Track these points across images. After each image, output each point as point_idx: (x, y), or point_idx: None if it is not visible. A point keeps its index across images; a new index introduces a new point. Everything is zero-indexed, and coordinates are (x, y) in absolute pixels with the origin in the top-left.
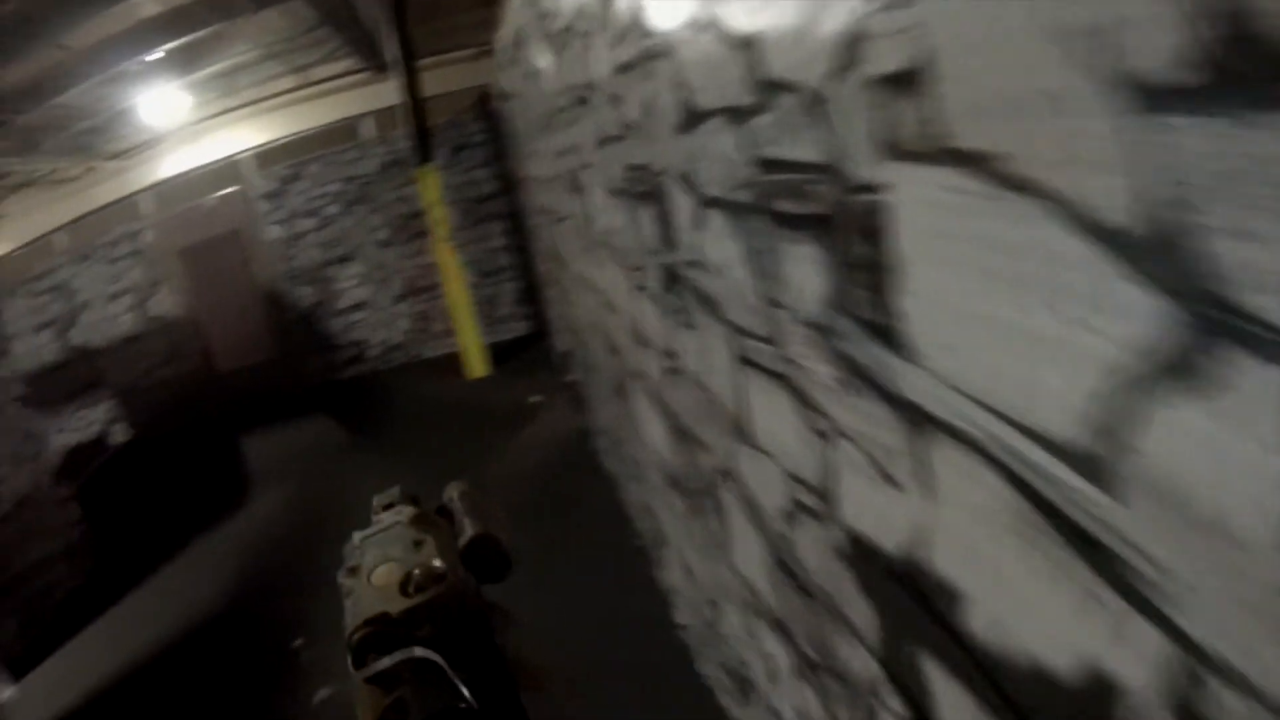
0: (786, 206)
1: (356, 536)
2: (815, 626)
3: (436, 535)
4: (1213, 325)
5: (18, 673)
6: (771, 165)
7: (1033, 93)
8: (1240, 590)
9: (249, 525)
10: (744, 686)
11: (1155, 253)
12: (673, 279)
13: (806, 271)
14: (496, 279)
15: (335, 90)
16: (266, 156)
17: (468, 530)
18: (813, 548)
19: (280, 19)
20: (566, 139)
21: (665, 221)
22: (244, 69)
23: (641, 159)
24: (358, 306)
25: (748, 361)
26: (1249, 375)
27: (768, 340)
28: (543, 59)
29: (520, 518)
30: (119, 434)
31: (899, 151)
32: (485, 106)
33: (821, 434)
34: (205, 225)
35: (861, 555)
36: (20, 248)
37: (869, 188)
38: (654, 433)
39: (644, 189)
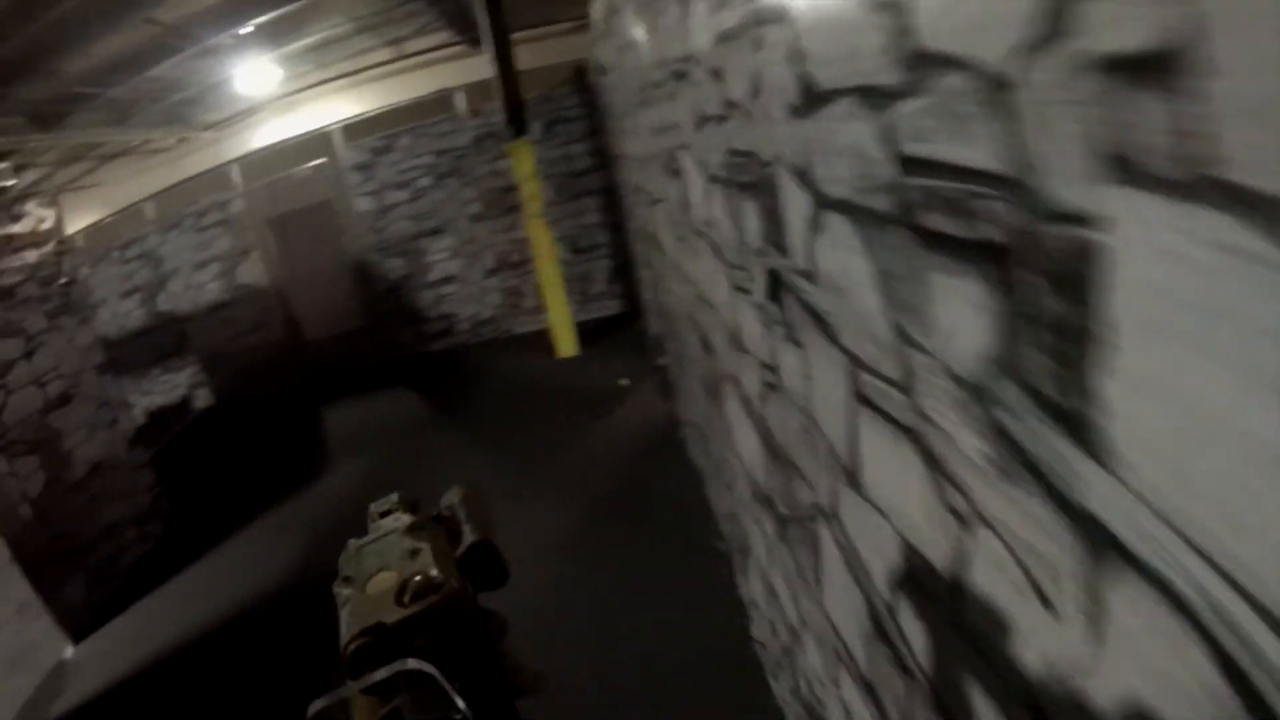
0: (941, 225)
1: (352, 545)
2: (910, 708)
3: (433, 543)
4: None
5: (80, 635)
6: (922, 168)
7: None
8: None
9: (324, 498)
10: None
11: None
12: (778, 286)
13: (963, 314)
14: (590, 256)
15: (428, 64)
16: (357, 128)
17: (466, 537)
18: (924, 630)
19: None
20: (663, 116)
21: (773, 220)
22: (337, 42)
23: (746, 144)
24: (448, 280)
25: (865, 400)
26: None
27: (896, 385)
28: (638, 29)
29: (601, 506)
30: (202, 399)
31: (1129, 172)
32: (581, 81)
33: (956, 514)
34: (295, 196)
35: (991, 665)
36: (111, 215)
37: (1074, 218)
38: (747, 445)
39: (749, 179)
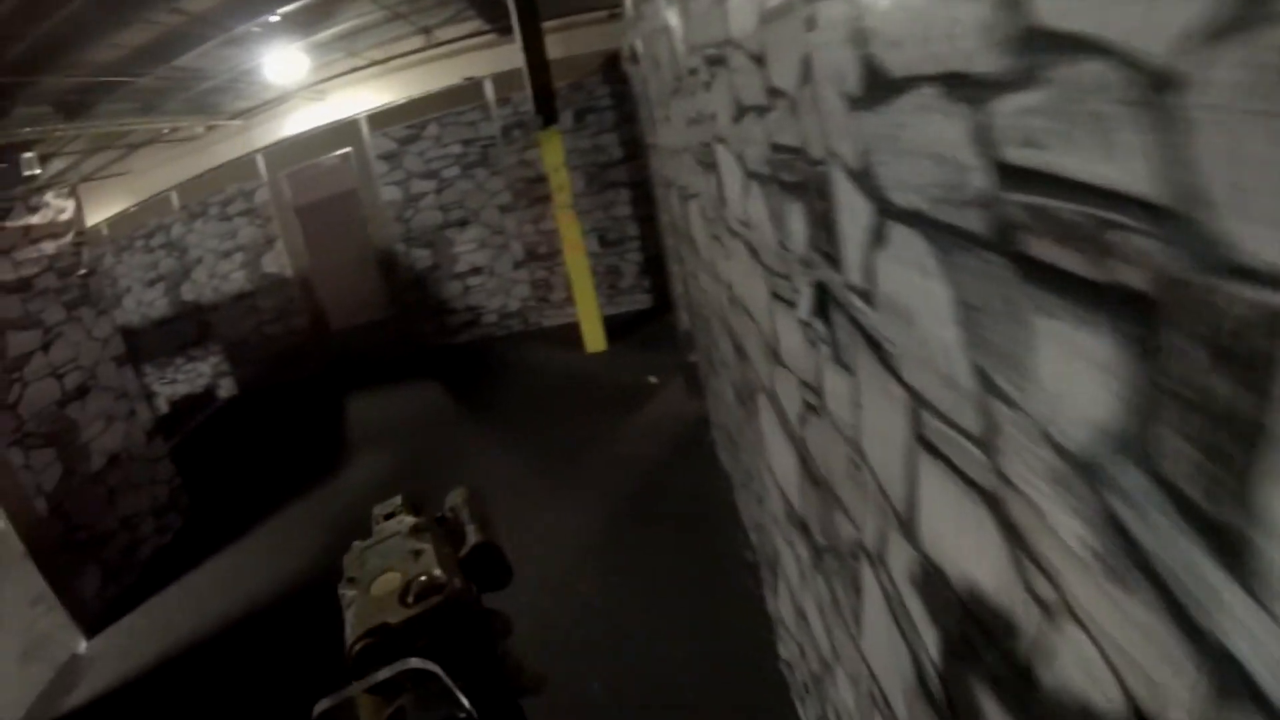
0: (1055, 256)
1: (356, 546)
2: None
3: (436, 544)
4: None
5: (95, 628)
6: (1031, 181)
7: None
8: None
9: (344, 493)
10: None
11: None
12: (826, 300)
13: (1078, 373)
14: (620, 249)
15: (457, 52)
16: (384, 117)
17: (470, 538)
18: (987, 706)
19: None
20: (697, 106)
21: (824, 226)
22: (366, 30)
23: (793, 139)
24: (475, 271)
25: (929, 446)
26: None
27: (973, 438)
28: (671, 13)
29: (625, 507)
30: (225, 388)
31: None
32: (613, 69)
33: (1038, 599)
34: (321, 185)
35: None
36: (136, 204)
37: (1260, 276)
38: (782, 463)
39: (795, 178)
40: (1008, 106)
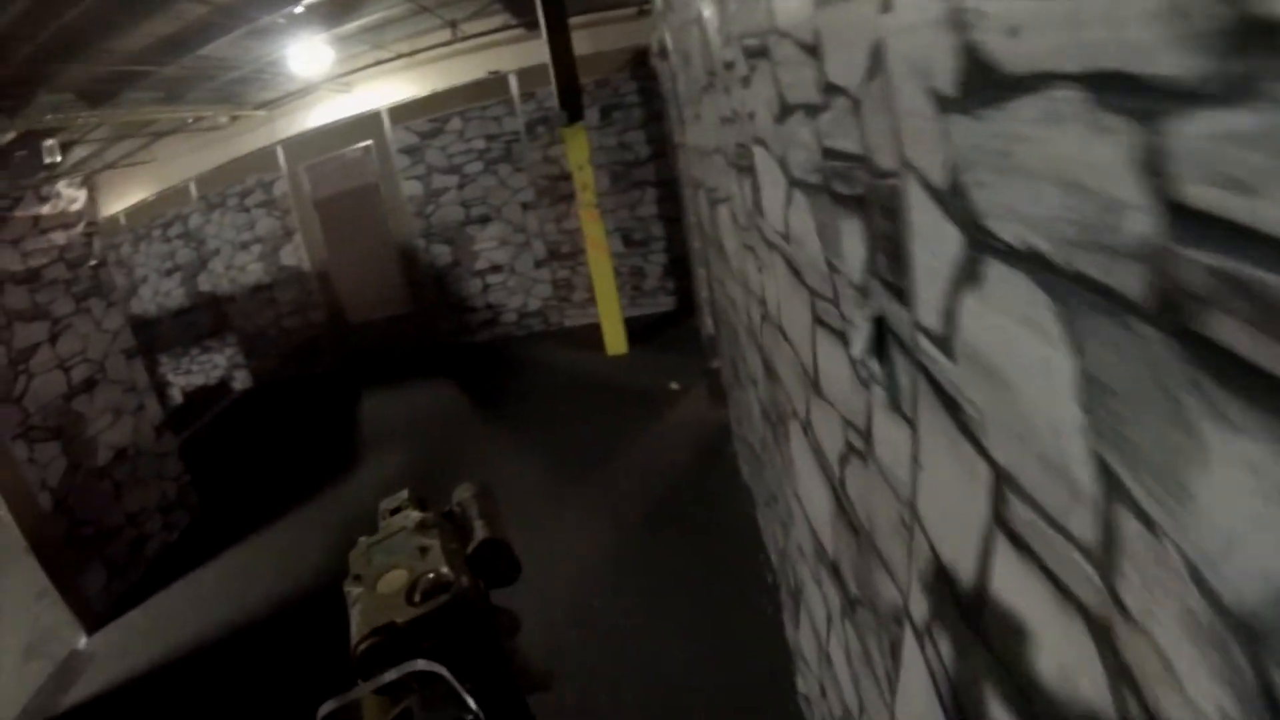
0: (1244, 345)
1: (363, 542)
2: None
3: (443, 540)
4: None
5: (98, 625)
6: (1220, 234)
7: None
8: None
9: (356, 492)
10: None
11: None
12: (886, 337)
13: (1268, 511)
14: (645, 249)
15: (484, 47)
16: (406, 110)
17: (477, 534)
18: None
19: None
20: (732, 103)
21: (890, 252)
22: (393, 23)
23: (854, 144)
24: (496, 269)
25: (1013, 534)
26: None
27: (1082, 547)
28: (707, 2)
29: (642, 518)
30: (240, 381)
31: None
32: (641, 65)
33: None
34: (342, 178)
35: None
36: (157, 193)
37: None
38: (814, 499)
39: (854, 191)
40: (1199, 128)
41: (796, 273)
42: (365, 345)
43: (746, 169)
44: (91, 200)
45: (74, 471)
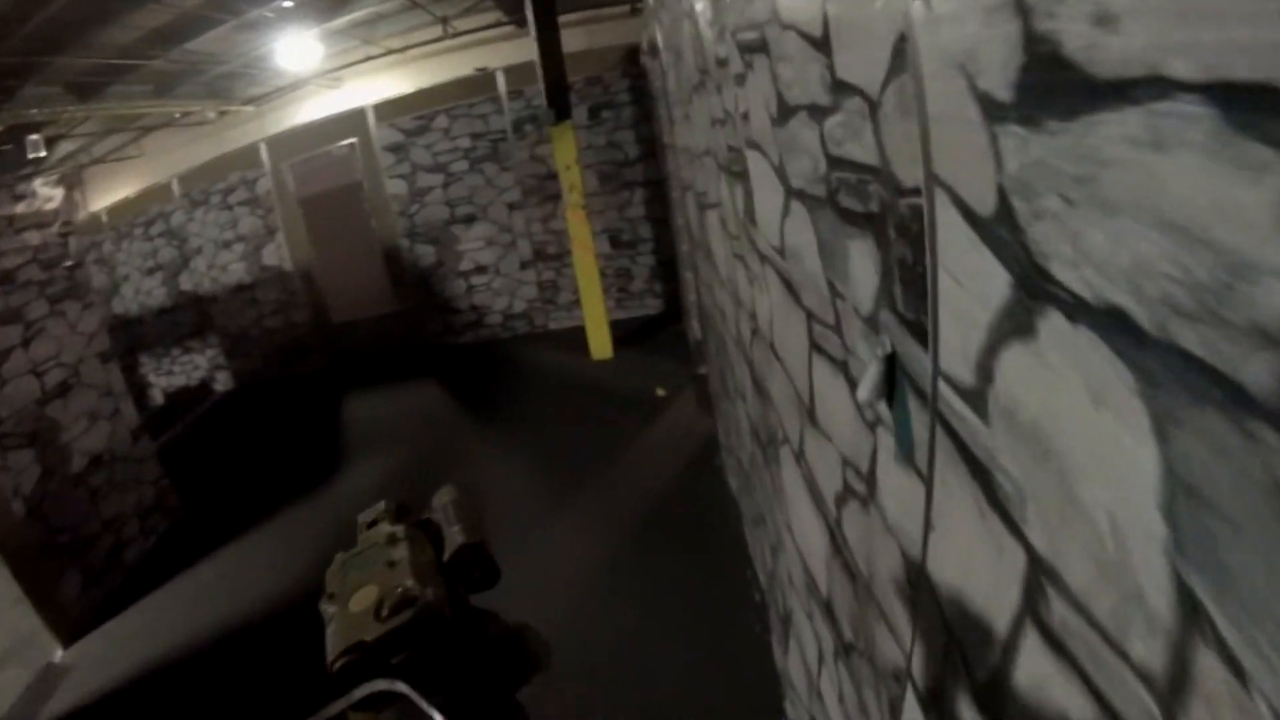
0: None
1: (339, 559)
2: None
3: (412, 552)
4: None
5: (75, 635)
6: None
7: None
8: None
9: (339, 497)
10: None
11: None
12: (899, 379)
13: None
14: (632, 251)
15: (475, 44)
16: (392, 108)
17: (455, 539)
18: None
19: None
20: (725, 103)
21: (910, 282)
22: (384, 19)
23: (868, 154)
24: (480, 270)
25: (1048, 633)
26: None
27: (1138, 670)
28: None
29: (628, 530)
30: (222, 382)
31: None
32: (632, 63)
33: None
34: (325, 176)
35: None
36: (142, 190)
37: None
38: (808, 534)
39: (867, 207)
40: None
41: (792, 291)
42: (349, 346)
43: (739, 174)
44: (71, 198)
45: (48, 478)
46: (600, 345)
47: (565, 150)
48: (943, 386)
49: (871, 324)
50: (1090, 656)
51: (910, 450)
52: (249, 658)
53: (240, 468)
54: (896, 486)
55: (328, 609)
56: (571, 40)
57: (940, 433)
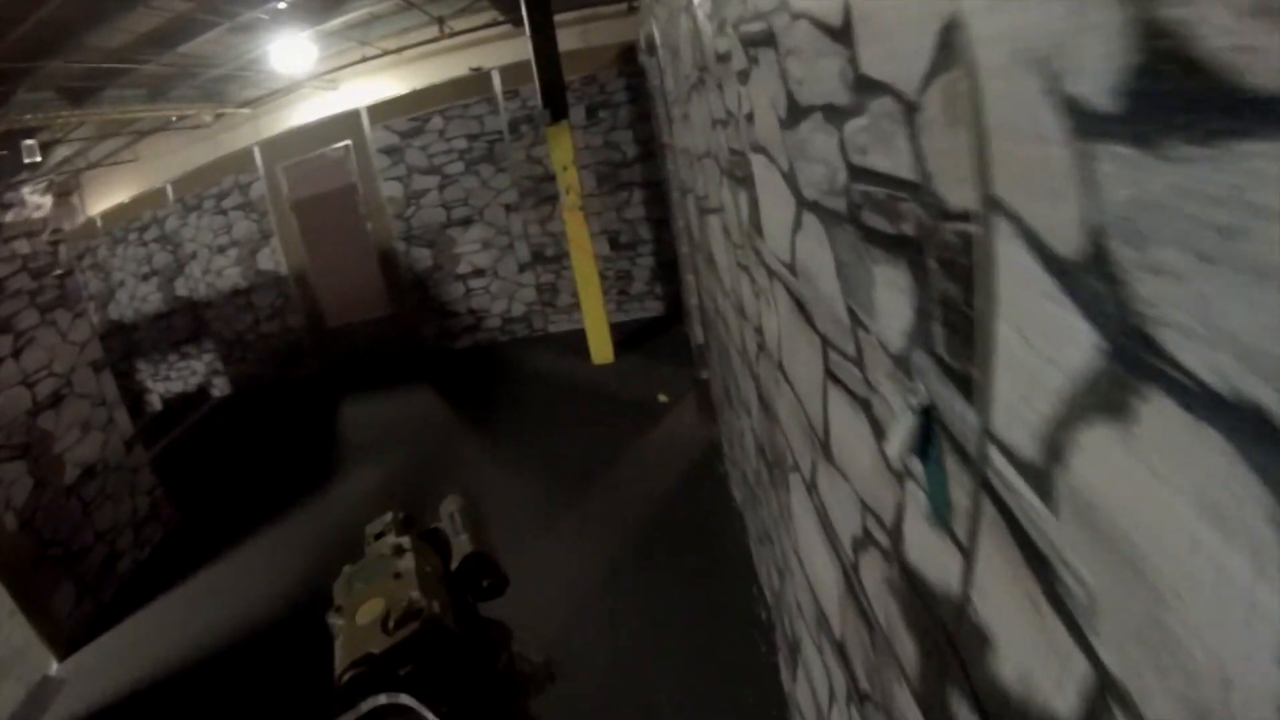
0: None
1: (346, 571)
2: None
3: (418, 563)
4: None
5: (70, 648)
6: None
7: None
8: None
9: (336, 505)
10: None
11: None
12: (934, 433)
13: None
14: (632, 253)
15: (471, 44)
16: (386, 109)
17: (461, 549)
18: None
19: None
20: (726, 103)
21: (954, 324)
22: (378, 19)
23: (901, 165)
24: (478, 273)
25: None
26: None
27: None
28: None
29: (628, 543)
30: (219, 387)
31: None
32: (629, 62)
33: None
34: (319, 179)
35: None
36: (135, 195)
37: None
38: (821, 570)
39: (898, 229)
40: None
41: (804, 312)
42: (345, 350)
43: (743, 180)
44: (69, 203)
45: (41, 490)
46: (601, 349)
47: (562, 151)
48: (992, 452)
49: (902, 365)
50: None
51: (946, 515)
52: (249, 670)
53: (237, 475)
54: (927, 548)
55: (335, 621)
56: (567, 39)
57: (986, 502)
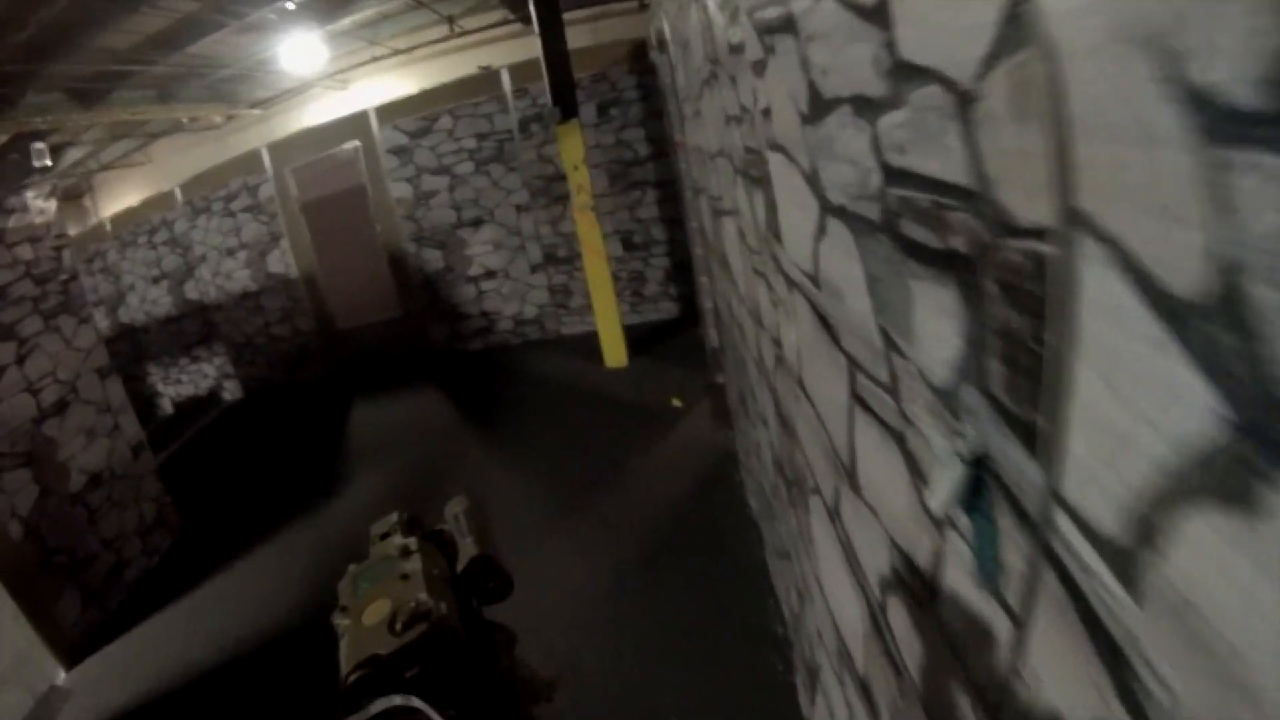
0: None
1: (351, 571)
2: None
3: (425, 564)
4: None
5: (75, 658)
6: None
7: None
8: None
9: (346, 509)
10: None
11: None
12: (987, 486)
13: None
14: (646, 253)
15: (481, 43)
16: (394, 109)
17: (467, 551)
18: None
19: None
20: (740, 98)
21: (1020, 365)
22: (388, 19)
23: (952, 169)
24: (489, 274)
25: None
26: None
27: None
28: None
29: (640, 553)
30: (230, 391)
31: None
32: (640, 59)
33: None
34: (328, 180)
35: None
36: (145, 199)
37: None
38: (843, 605)
39: (945, 243)
40: None
41: (829, 328)
42: (355, 353)
43: (759, 180)
44: (81, 207)
45: (46, 498)
46: (614, 352)
47: (572, 150)
48: (1059, 517)
49: (947, 400)
50: None
51: (994, 577)
52: (257, 676)
53: (246, 479)
54: (968, 607)
55: (340, 622)
56: (577, 37)
57: (1048, 572)
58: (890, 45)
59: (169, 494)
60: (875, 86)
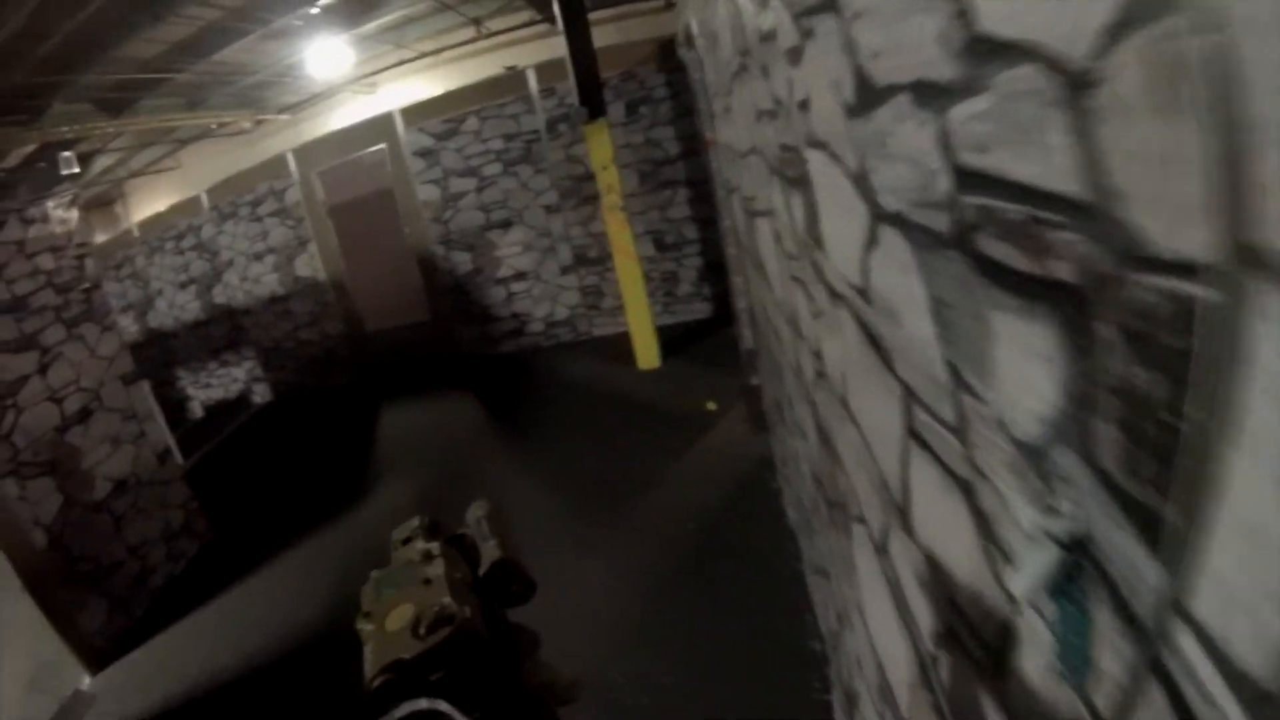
0: None
1: (373, 577)
2: None
3: (448, 569)
4: None
5: (101, 663)
6: None
7: None
8: None
9: (374, 514)
10: None
11: None
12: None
13: None
14: (678, 253)
15: (509, 43)
16: (420, 111)
17: (489, 555)
18: None
19: None
20: (774, 90)
21: (1147, 436)
22: (414, 22)
23: (1054, 174)
24: (519, 276)
25: None
26: None
27: None
28: None
29: (674, 564)
30: (260, 394)
31: None
32: (669, 56)
33: None
34: (355, 183)
35: None
36: (172, 204)
37: None
38: (887, 645)
39: (1042, 269)
40: None
41: (880, 350)
42: (384, 357)
43: (796, 181)
44: (113, 213)
45: (70, 506)
46: (646, 354)
47: (601, 150)
48: (1181, 635)
49: (1034, 461)
50: None
51: (1080, 674)
52: (283, 683)
53: (274, 485)
54: (1044, 697)
55: (364, 627)
56: (604, 35)
57: (1156, 691)
58: (964, 15)
59: (196, 499)
60: (943, 69)
